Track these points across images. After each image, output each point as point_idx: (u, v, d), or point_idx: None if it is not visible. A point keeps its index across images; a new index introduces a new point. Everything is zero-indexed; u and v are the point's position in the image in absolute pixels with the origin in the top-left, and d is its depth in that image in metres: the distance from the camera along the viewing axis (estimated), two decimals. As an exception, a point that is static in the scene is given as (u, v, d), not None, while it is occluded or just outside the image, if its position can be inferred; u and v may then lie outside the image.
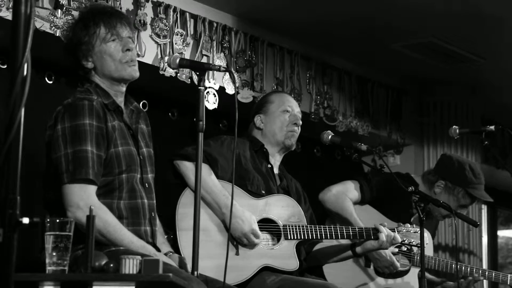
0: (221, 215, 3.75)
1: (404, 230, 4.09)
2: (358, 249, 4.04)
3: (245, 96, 5.25)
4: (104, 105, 3.17)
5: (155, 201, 3.35)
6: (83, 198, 3.03)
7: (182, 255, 3.41)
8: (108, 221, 3.04)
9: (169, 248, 3.39)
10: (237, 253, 3.73)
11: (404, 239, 4.08)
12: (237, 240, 3.75)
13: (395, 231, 4.05)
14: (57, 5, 4.30)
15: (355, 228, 4.01)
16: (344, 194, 4.52)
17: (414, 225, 4.10)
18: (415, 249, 4.13)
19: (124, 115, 3.28)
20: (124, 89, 3.30)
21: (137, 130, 3.32)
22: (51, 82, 4.79)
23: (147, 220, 3.24)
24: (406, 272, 4.57)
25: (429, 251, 4.68)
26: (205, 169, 3.75)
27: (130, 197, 3.18)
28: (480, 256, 6.75)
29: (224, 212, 3.73)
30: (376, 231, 3.98)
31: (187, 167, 3.72)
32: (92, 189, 3.07)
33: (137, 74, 3.26)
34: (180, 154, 3.77)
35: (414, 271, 4.61)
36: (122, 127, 3.23)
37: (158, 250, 3.26)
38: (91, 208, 2.59)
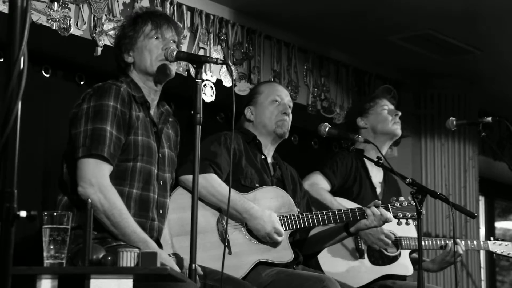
0: (242, 219, 3.79)
1: (398, 205, 4.10)
2: (352, 229, 4.04)
3: (242, 88, 5.25)
4: (132, 95, 3.22)
5: (167, 199, 3.38)
6: (97, 175, 3.05)
7: None
8: (115, 204, 3.05)
9: (172, 250, 3.40)
10: (230, 252, 3.72)
11: (400, 213, 4.09)
12: (261, 240, 3.77)
13: (388, 208, 4.05)
14: (53, -2, 4.29)
15: (347, 210, 4.00)
16: (317, 185, 4.54)
17: (408, 198, 4.08)
18: (411, 221, 4.16)
19: (151, 111, 3.32)
20: (158, 89, 3.35)
21: (162, 130, 3.36)
22: (48, 75, 4.78)
23: (155, 215, 3.25)
24: (397, 257, 4.60)
25: (411, 231, 4.67)
26: (216, 179, 3.77)
27: (143, 188, 3.20)
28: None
29: (245, 216, 3.77)
30: (363, 210, 3.99)
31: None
32: (107, 168, 3.09)
33: (172, 73, 3.32)
34: (184, 170, 3.74)
35: (405, 254, 4.65)
36: (146, 121, 3.27)
37: (161, 246, 3.28)
38: (89, 202, 2.60)
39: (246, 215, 3.76)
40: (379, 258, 4.55)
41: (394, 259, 4.60)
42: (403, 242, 4.62)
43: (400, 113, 4.84)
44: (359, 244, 4.48)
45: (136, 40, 3.30)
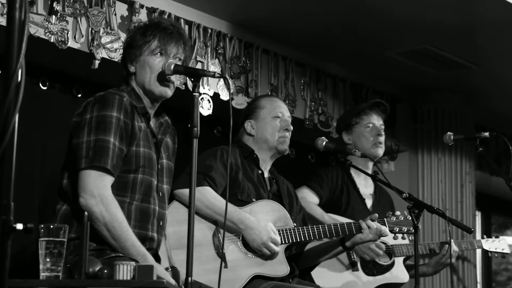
0: (238, 230, 3.78)
1: (394, 219, 4.09)
2: (348, 244, 4.02)
3: (240, 102, 5.25)
4: (134, 106, 3.21)
5: (166, 211, 3.36)
6: (99, 187, 3.04)
7: None
8: (116, 216, 3.04)
9: (170, 263, 3.39)
10: (225, 266, 3.71)
11: (396, 228, 4.08)
12: (257, 253, 3.76)
13: (384, 222, 4.05)
14: (51, 11, 4.29)
15: (343, 224, 3.99)
16: (305, 199, 4.54)
17: (404, 212, 4.07)
18: (406, 236, 4.16)
19: (150, 122, 3.30)
20: (154, 105, 3.33)
21: (162, 141, 3.34)
22: (45, 88, 4.78)
23: (155, 227, 3.24)
24: (391, 266, 4.60)
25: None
26: (210, 192, 3.77)
27: (142, 200, 3.19)
28: (474, 263, 6.75)
29: (241, 227, 3.76)
30: (359, 224, 3.98)
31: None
32: (109, 180, 3.07)
33: (168, 93, 3.28)
34: (179, 184, 3.74)
35: (399, 262, 4.64)
36: (147, 132, 3.26)
37: (159, 259, 3.27)
38: (86, 214, 2.59)
39: (242, 226, 3.75)
40: (373, 268, 4.55)
41: (388, 267, 4.60)
42: (395, 250, 4.62)
43: (383, 134, 4.77)
44: (352, 257, 4.48)
45: (141, 52, 3.27)
